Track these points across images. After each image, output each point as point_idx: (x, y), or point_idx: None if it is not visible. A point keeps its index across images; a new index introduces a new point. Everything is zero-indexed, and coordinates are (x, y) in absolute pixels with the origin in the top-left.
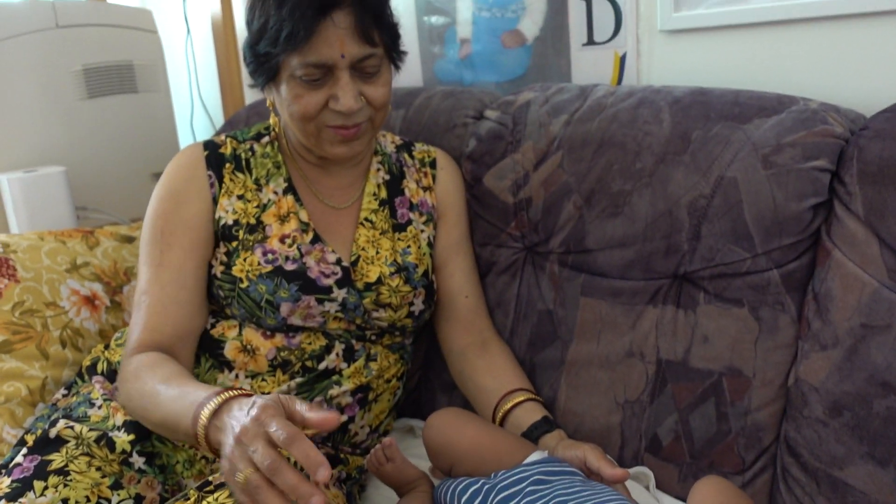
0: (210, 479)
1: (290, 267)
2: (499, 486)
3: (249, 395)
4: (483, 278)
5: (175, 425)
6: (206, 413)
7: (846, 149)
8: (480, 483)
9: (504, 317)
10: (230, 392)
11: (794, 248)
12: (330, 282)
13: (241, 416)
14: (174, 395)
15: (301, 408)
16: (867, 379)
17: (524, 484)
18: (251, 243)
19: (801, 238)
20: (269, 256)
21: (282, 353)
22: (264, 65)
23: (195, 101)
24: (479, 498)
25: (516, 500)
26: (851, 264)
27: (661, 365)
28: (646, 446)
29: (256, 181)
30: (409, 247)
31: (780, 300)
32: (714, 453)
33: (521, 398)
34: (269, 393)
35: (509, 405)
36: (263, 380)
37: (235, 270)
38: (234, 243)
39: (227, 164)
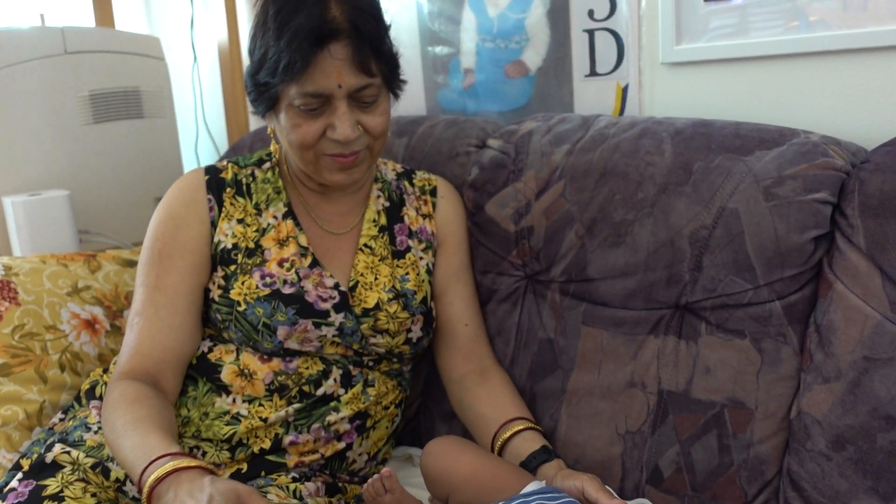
0: None
1: (287, 290)
2: None
3: (204, 470)
4: (484, 306)
5: (131, 473)
6: (150, 479)
7: (847, 181)
8: None
9: (504, 345)
10: (181, 462)
11: (796, 279)
12: (327, 306)
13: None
14: (134, 444)
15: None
16: (870, 412)
17: None
18: (249, 267)
19: (802, 270)
20: (268, 280)
21: (279, 378)
22: (264, 94)
23: (200, 127)
24: None
25: None
26: (854, 297)
27: (663, 395)
28: (647, 478)
29: (256, 206)
30: (407, 273)
31: (782, 332)
32: (716, 486)
33: (520, 427)
34: (265, 419)
35: (508, 434)
36: (261, 405)
37: (233, 294)
38: (233, 267)
39: (228, 189)
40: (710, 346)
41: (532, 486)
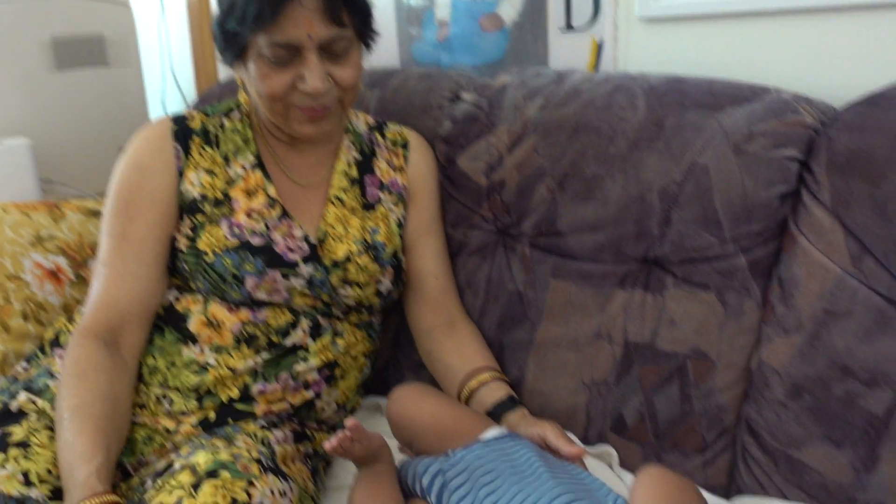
0: (173, 458)
1: (256, 241)
2: (454, 465)
3: None
4: (454, 259)
5: (61, 474)
6: None
7: (816, 139)
8: (438, 462)
9: (474, 297)
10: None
11: (762, 235)
12: (296, 257)
13: None
14: (66, 443)
15: None
16: (828, 363)
17: (479, 462)
18: (217, 217)
19: (768, 225)
20: (236, 230)
21: (247, 328)
22: (232, 43)
23: (167, 77)
24: (439, 478)
25: (471, 479)
26: (817, 252)
27: (629, 347)
28: (610, 426)
29: (225, 156)
30: (378, 226)
31: (746, 285)
32: (677, 434)
33: (487, 377)
34: (177, 434)
35: (475, 384)
36: (229, 354)
37: (201, 244)
38: (200, 217)
39: (196, 138)
40: (676, 299)
41: (493, 432)
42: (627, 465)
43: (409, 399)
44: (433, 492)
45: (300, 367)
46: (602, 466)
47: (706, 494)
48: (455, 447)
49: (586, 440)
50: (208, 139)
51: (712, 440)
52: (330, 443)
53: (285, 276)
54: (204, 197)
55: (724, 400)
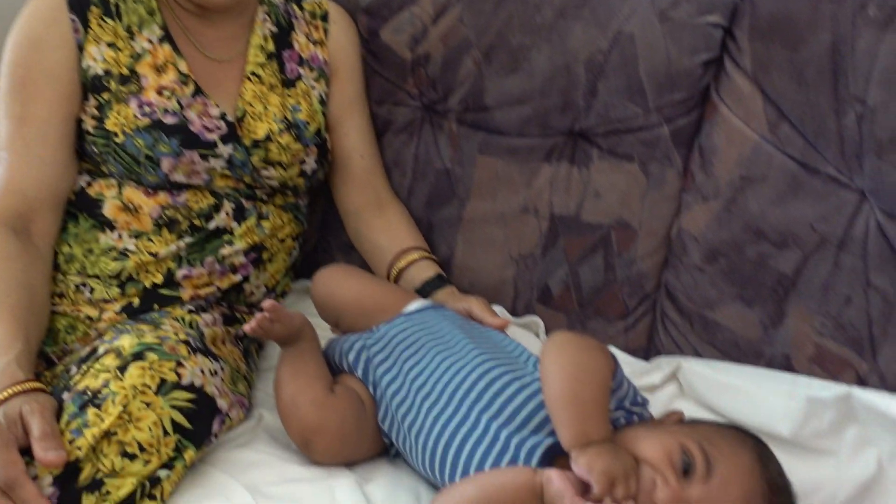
0: (97, 344)
1: (169, 120)
2: (378, 340)
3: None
4: (380, 138)
5: None
6: None
7: (740, 5)
8: (362, 339)
9: (401, 176)
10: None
11: (685, 104)
12: (214, 137)
13: None
14: None
15: (36, 429)
16: (742, 227)
17: (402, 335)
18: (125, 95)
19: (691, 94)
20: (146, 109)
21: (167, 212)
22: None
23: None
24: (363, 353)
25: (394, 352)
26: (736, 119)
27: (554, 220)
28: (537, 297)
29: (128, 28)
30: (298, 103)
31: (668, 155)
32: (600, 301)
33: (416, 256)
34: (101, 321)
35: (403, 263)
36: (149, 239)
37: (109, 124)
38: (106, 95)
39: (94, 8)
40: (601, 170)
41: (415, 304)
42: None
43: (333, 279)
44: (359, 368)
45: (226, 250)
46: (529, 336)
47: (627, 357)
48: (380, 323)
49: (514, 312)
50: (108, 9)
51: (633, 306)
52: (249, 325)
53: (204, 157)
54: (108, 73)
55: (645, 267)
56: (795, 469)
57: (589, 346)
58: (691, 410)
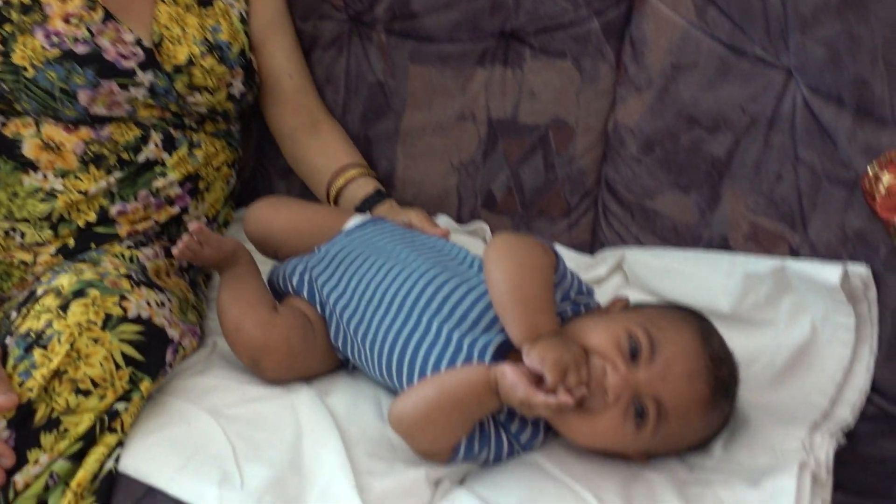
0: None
1: (80, 49)
2: (320, 261)
3: None
4: (308, 55)
5: None
6: None
7: None
8: (303, 261)
9: (334, 94)
10: None
11: None
12: (132, 64)
13: None
14: None
15: None
16: (675, 115)
17: (343, 252)
18: (28, 25)
19: None
20: (54, 39)
21: (91, 148)
22: None
23: None
24: (306, 275)
25: (338, 269)
26: (664, 7)
27: (492, 124)
28: (481, 203)
29: None
30: (218, 23)
31: (600, 49)
32: (543, 202)
33: (354, 174)
34: (36, 265)
35: (341, 182)
36: (77, 177)
37: (16, 58)
38: (8, 27)
39: None
40: (535, 70)
41: (354, 221)
42: None
43: (262, 214)
44: (304, 289)
45: (159, 182)
46: (476, 242)
47: (572, 253)
48: (320, 245)
49: (460, 220)
50: None
51: (576, 203)
52: (176, 248)
53: (123, 87)
54: (7, 3)
55: (584, 164)
56: (737, 341)
57: (528, 245)
58: (637, 297)
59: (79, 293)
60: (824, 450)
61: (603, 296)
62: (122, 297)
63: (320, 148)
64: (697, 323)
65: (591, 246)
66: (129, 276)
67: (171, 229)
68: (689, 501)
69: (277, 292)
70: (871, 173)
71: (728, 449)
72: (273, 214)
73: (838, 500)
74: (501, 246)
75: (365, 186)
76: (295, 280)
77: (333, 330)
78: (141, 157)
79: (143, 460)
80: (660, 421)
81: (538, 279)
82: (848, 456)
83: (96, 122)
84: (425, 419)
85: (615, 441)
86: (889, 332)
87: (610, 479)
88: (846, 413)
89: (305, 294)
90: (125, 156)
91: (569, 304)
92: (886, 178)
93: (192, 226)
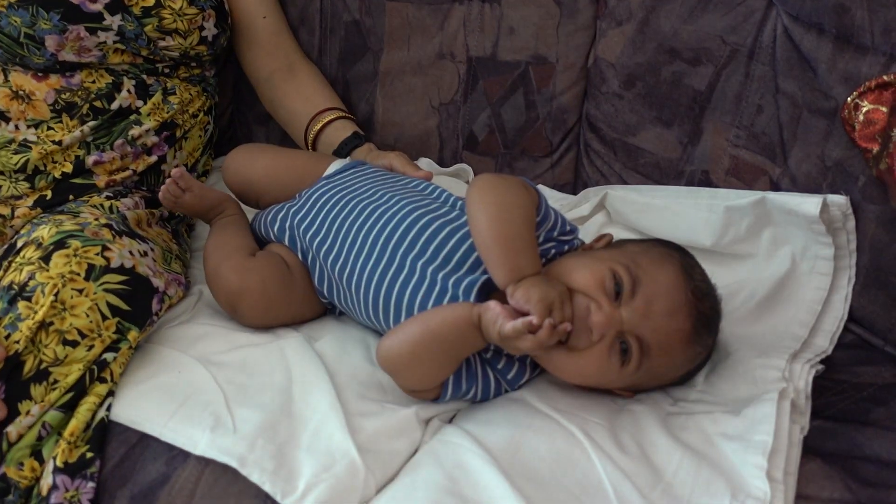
0: (16, 241)
1: None
2: (301, 207)
3: None
4: None
5: None
6: None
7: None
8: (285, 208)
9: (310, 35)
10: None
11: None
12: (98, 7)
13: None
14: None
15: None
16: (656, 48)
17: (324, 196)
18: None
19: None
20: None
21: (63, 96)
22: None
23: None
24: (287, 221)
25: (320, 215)
26: None
27: (472, 62)
28: (463, 144)
29: None
30: None
31: None
32: (525, 141)
33: (331, 117)
34: (14, 219)
35: (319, 126)
36: (50, 127)
37: None
38: None
39: None
40: (513, 5)
41: (334, 166)
42: None
43: (240, 161)
44: (285, 236)
45: (135, 131)
46: (459, 184)
47: (555, 193)
48: (300, 188)
49: (442, 162)
50: None
51: (558, 142)
52: (160, 192)
53: (91, 31)
54: None
55: (565, 101)
56: (718, 275)
57: (510, 184)
58: (620, 235)
59: (60, 244)
60: (803, 378)
61: (587, 234)
62: (105, 248)
63: (298, 92)
64: (679, 258)
65: (574, 185)
66: (109, 226)
67: (150, 179)
68: (674, 432)
69: (260, 241)
70: (850, 102)
71: (710, 381)
72: (251, 162)
73: (816, 426)
74: (483, 186)
75: (343, 130)
76: (276, 227)
77: (317, 276)
78: (114, 105)
79: (134, 408)
80: (643, 357)
81: (520, 219)
82: (826, 383)
83: (66, 69)
84: (411, 356)
85: (600, 377)
86: (867, 262)
87: (596, 413)
88: (824, 342)
89: (287, 241)
90: (98, 104)
91: (553, 245)
92: (865, 106)
93: (174, 171)
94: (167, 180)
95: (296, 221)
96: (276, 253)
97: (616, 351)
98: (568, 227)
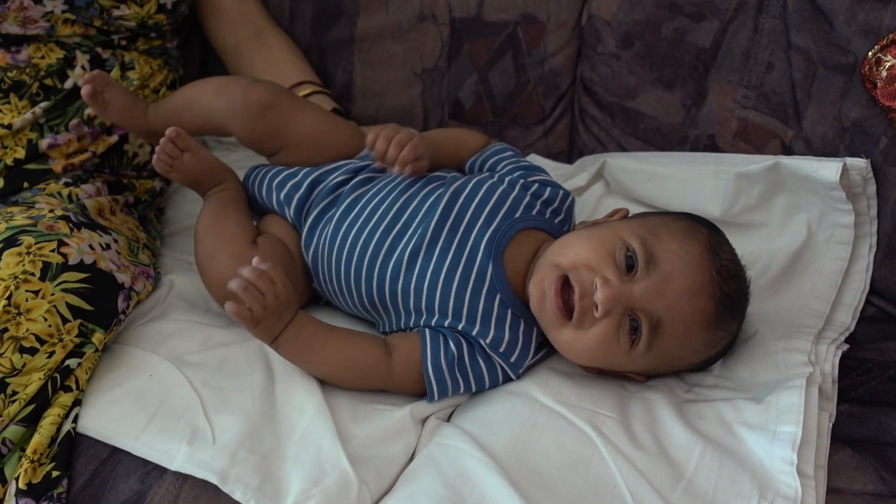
0: None
1: None
2: (320, 182)
3: None
4: None
5: None
6: None
7: None
8: (308, 177)
9: None
10: None
11: None
12: None
13: None
14: None
15: None
16: (656, 3)
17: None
18: None
19: None
20: None
21: (9, 75)
22: None
23: None
24: (299, 194)
25: (339, 198)
26: None
27: (455, 24)
28: (449, 113)
29: None
30: None
31: None
32: (515, 107)
33: (307, 91)
34: (9, 125)
35: None
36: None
37: None
38: None
39: None
40: None
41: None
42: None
43: (284, 107)
44: (290, 208)
45: (91, 109)
46: None
47: (550, 162)
48: (329, 159)
49: None
50: None
51: (550, 108)
52: (153, 156)
53: (37, 0)
54: None
55: (557, 63)
56: None
57: None
58: (620, 206)
59: (10, 241)
60: (830, 361)
61: (584, 206)
62: (61, 243)
63: (268, 62)
64: (707, 234)
65: (569, 153)
66: (66, 218)
67: (113, 160)
68: (691, 421)
69: (254, 199)
70: (871, 57)
71: (727, 364)
72: (298, 112)
73: (843, 411)
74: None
75: (320, 105)
76: (282, 194)
77: (311, 255)
78: (67, 83)
79: (104, 419)
80: (655, 337)
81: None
82: (849, 362)
83: (11, 43)
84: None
85: (608, 357)
86: (889, 229)
87: (605, 404)
88: (846, 317)
89: (292, 212)
90: (49, 82)
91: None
92: (889, 61)
93: (169, 130)
94: (161, 140)
95: (317, 201)
96: (279, 240)
97: (627, 329)
98: (552, 183)
